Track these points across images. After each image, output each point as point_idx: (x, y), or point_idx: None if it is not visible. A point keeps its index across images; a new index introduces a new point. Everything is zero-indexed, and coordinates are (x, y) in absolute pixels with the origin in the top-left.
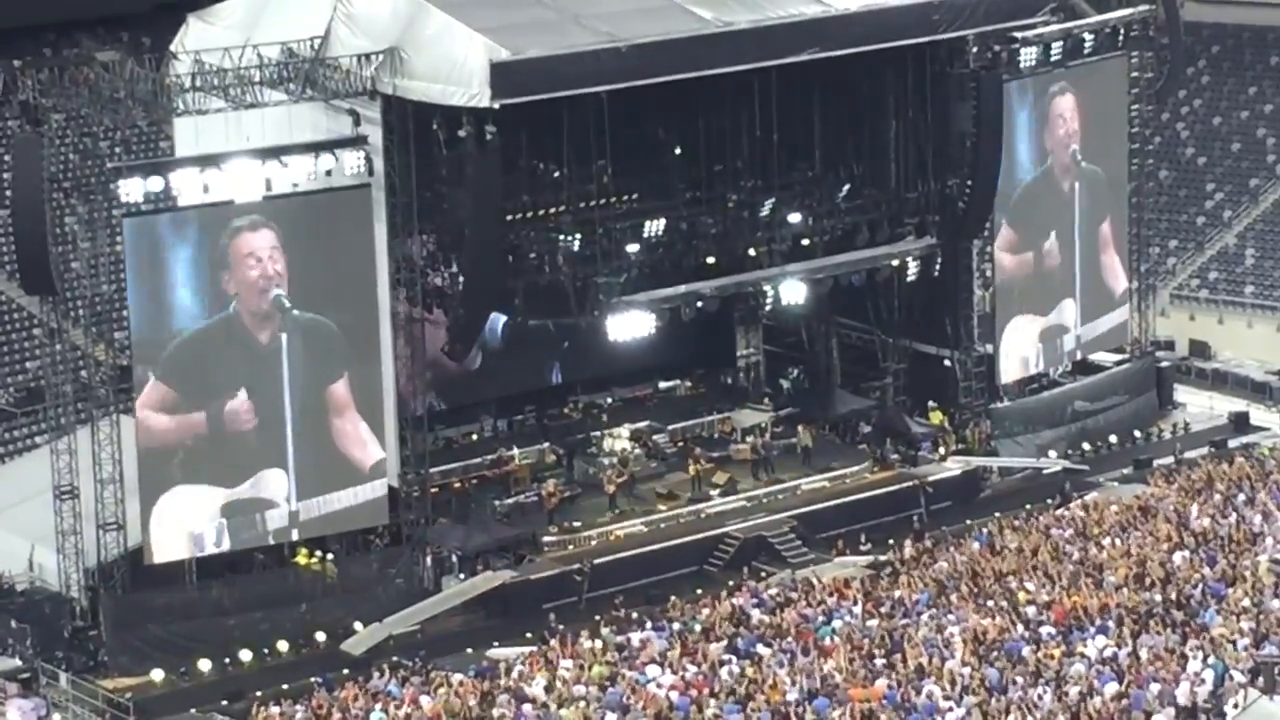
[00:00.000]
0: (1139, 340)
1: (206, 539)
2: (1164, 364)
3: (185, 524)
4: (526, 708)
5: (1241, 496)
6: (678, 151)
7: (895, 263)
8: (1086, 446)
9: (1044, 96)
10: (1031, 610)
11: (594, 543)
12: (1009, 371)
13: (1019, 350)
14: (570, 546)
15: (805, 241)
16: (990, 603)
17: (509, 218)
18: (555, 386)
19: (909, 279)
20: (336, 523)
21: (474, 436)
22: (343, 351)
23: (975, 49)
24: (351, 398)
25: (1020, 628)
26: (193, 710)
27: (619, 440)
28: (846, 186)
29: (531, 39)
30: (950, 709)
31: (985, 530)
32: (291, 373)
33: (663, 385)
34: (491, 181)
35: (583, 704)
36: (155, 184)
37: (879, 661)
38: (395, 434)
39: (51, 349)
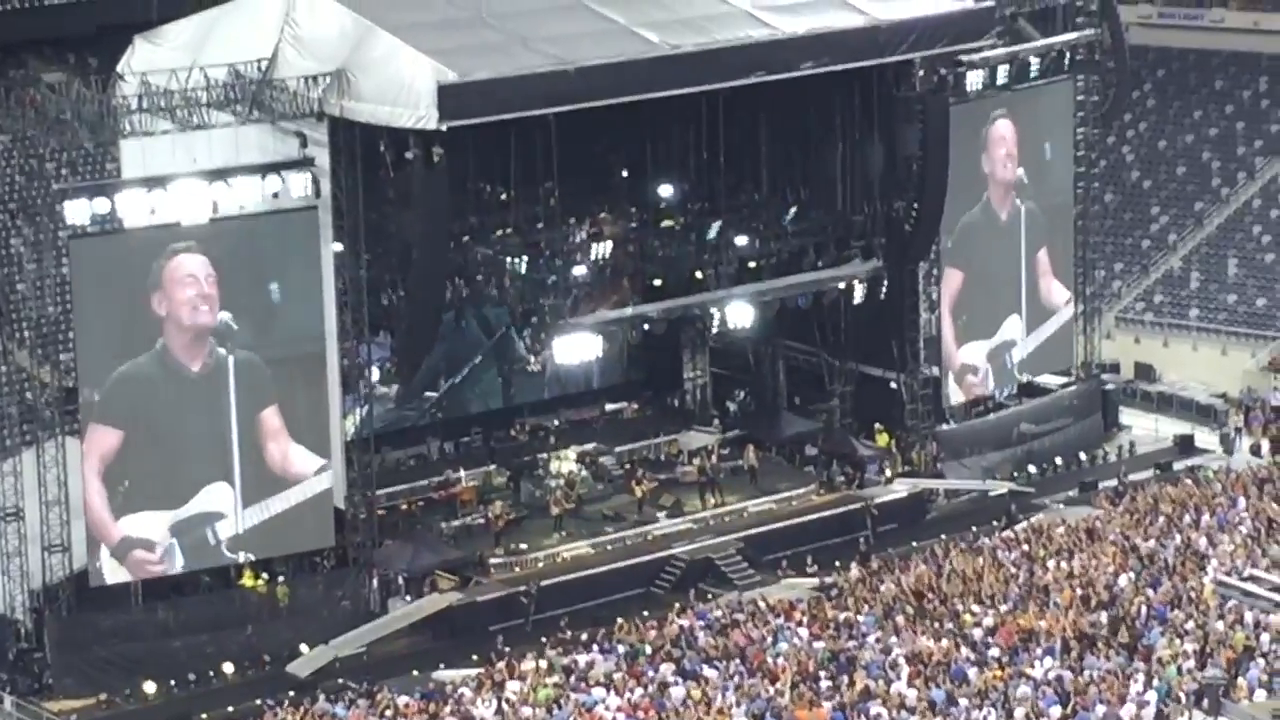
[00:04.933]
0: (1085, 363)
1: (158, 561)
2: (1109, 387)
3: (136, 548)
4: None
5: (1186, 519)
6: (625, 174)
7: (842, 285)
8: (1032, 469)
9: (984, 122)
10: (977, 632)
11: (541, 564)
12: (958, 394)
13: (968, 374)
14: (517, 568)
15: (752, 264)
16: (936, 625)
17: (456, 240)
18: (502, 409)
19: (855, 301)
20: (281, 535)
21: (421, 459)
22: (268, 381)
23: (921, 72)
24: (283, 424)
25: (966, 649)
26: None
27: (566, 462)
28: (793, 209)
29: (479, 61)
30: None
31: (931, 552)
32: (226, 399)
33: (609, 407)
34: (439, 203)
35: None
36: (101, 206)
37: (825, 683)
38: (341, 456)
39: None
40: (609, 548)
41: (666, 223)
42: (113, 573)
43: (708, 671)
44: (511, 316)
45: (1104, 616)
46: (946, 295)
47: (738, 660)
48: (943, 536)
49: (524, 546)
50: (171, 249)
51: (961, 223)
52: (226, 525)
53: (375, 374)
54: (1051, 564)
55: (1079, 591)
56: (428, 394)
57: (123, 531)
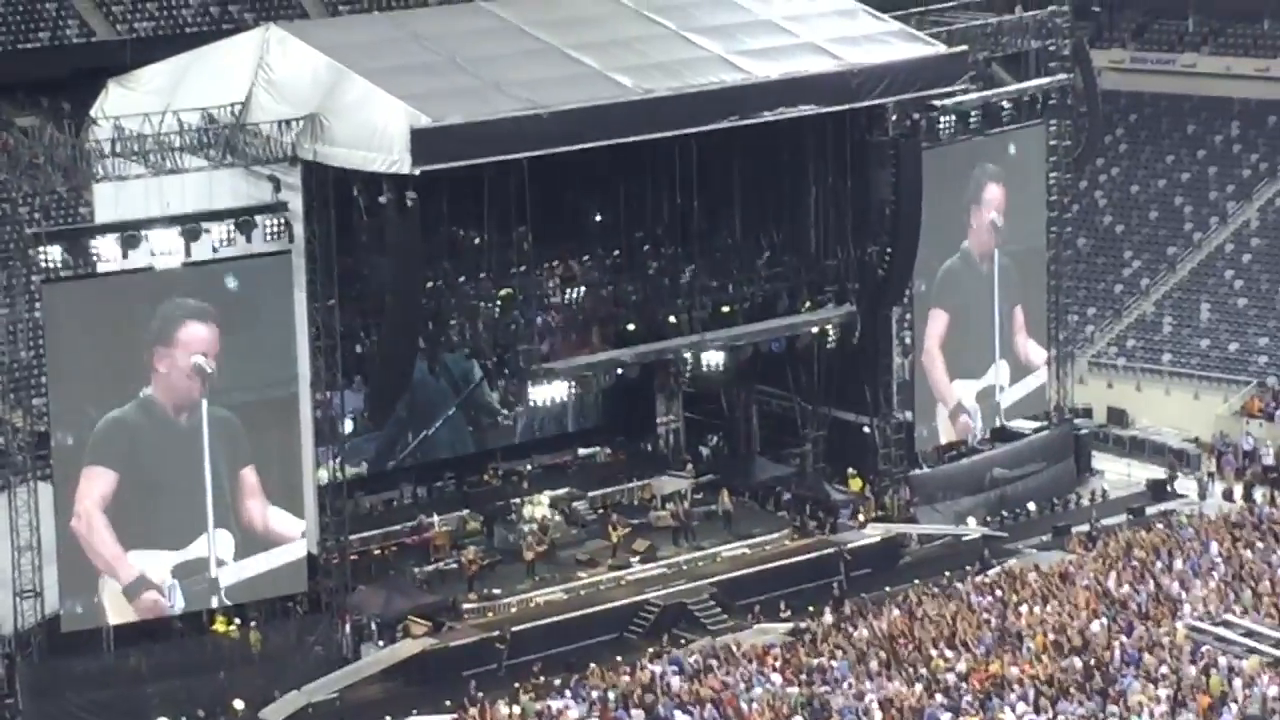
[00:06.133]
0: (1058, 407)
1: (162, 600)
2: (1082, 431)
3: (149, 588)
4: None
5: (1159, 564)
6: (598, 218)
7: (815, 330)
8: (1005, 514)
9: (971, 178)
10: (950, 677)
11: (514, 610)
12: (949, 432)
13: (962, 414)
14: (490, 614)
15: (725, 308)
16: (909, 670)
17: (429, 284)
18: (475, 454)
19: (829, 346)
20: (257, 588)
21: (394, 503)
22: (244, 439)
23: (894, 116)
24: (260, 484)
25: (939, 695)
26: None
27: (539, 507)
28: (766, 253)
29: (452, 105)
30: None
31: (904, 597)
32: (210, 451)
33: (583, 452)
34: (412, 248)
35: None
36: (74, 250)
37: None
38: (314, 501)
39: None
40: (582, 593)
41: (640, 267)
42: (118, 612)
43: (681, 717)
44: (483, 367)
45: (1077, 662)
46: (934, 335)
47: (711, 705)
48: (916, 581)
49: (497, 591)
50: (183, 310)
51: (943, 269)
52: (222, 572)
53: (349, 425)
54: (1024, 609)
55: (1052, 637)
56: (400, 452)
57: (136, 569)
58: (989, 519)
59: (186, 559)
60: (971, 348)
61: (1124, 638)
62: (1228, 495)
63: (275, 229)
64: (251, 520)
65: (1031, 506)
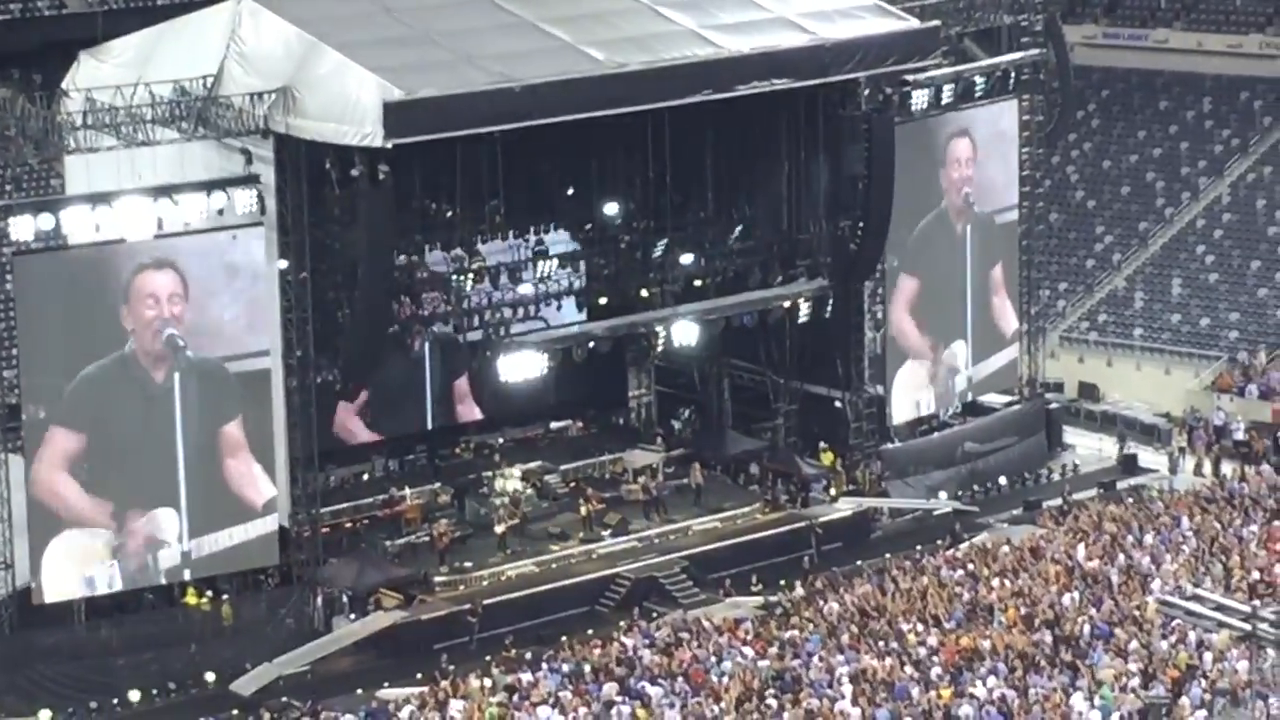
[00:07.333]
0: (1029, 381)
1: (99, 580)
2: (1053, 406)
3: (77, 565)
4: None
5: (1130, 538)
6: (570, 192)
7: (787, 304)
8: (976, 488)
9: (941, 139)
10: (921, 651)
11: (485, 583)
12: (900, 413)
13: (910, 393)
14: (461, 587)
15: (697, 282)
16: (880, 643)
17: (401, 257)
18: (447, 427)
19: (800, 320)
20: (228, 560)
21: (365, 476)
22: (236, 394)
23: (867, 91)
24: (245, 440)
25: (910, 668)
26: None
27: (510, 480)
28: (739, 228)
29: (425, 78)
30: None
31: (876, 571)
32: (185, 413)
33: (554, 425)
34: (384, 221)
35: None
36: (46, 222)
37: (769, 702)
38: (286, 473)
39: None
40: (554, 566)
41: (612, 241)
42: (53, 590)
43: (651, 690)
44: (455, 339)
45: (1048, 636)
46: (903, 300)
47: (682, 679)
48: (887, 555)
49: (469, 565)
50: (139, 263)
51: (916, 233)
52: (169, 554)
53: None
54: (995, 583)
55: (1023, 611)
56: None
57: (69, 544)
58: (960, 493)
59: (135, 537)
60: (932, 323)
61: (1094, 611)
62: (1198, 470)
63: (247, 201)
64: (229, 480)
65: (1003, 481)
